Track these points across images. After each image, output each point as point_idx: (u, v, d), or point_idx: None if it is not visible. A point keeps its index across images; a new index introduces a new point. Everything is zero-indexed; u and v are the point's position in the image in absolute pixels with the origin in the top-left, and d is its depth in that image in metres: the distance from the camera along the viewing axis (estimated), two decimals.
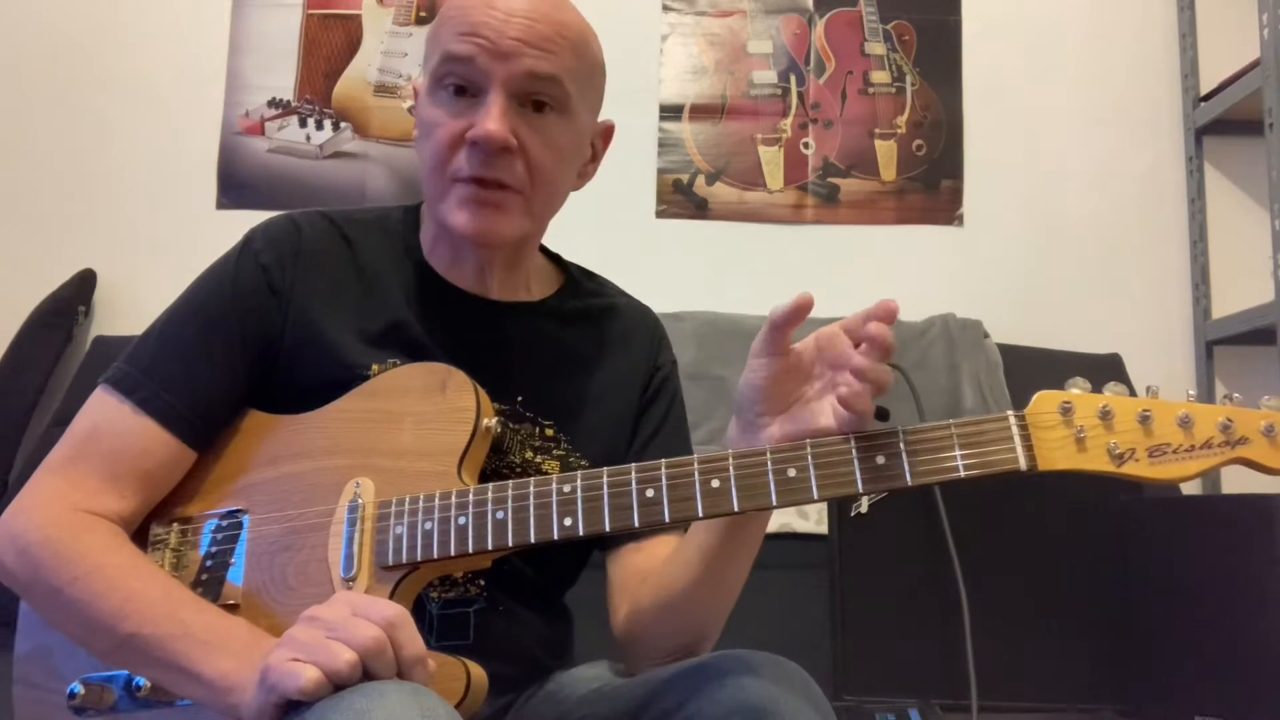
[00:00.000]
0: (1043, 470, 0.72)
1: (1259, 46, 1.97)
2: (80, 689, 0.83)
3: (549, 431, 0.97)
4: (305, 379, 0.91)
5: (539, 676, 0.99)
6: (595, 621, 1.01)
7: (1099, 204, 2.27)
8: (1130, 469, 0.71)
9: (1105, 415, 0.72)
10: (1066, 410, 0.72)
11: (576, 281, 1.07)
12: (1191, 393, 0.74)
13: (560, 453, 0.97)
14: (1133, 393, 0.73)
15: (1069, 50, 2.32)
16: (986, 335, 2.10)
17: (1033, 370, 2.06)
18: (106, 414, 0.88)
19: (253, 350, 0.91)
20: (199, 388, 0.89)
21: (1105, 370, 2.05)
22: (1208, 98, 2.21)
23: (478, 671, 0.77)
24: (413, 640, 0.69)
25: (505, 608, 0.94)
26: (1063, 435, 0.72)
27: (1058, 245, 2.25)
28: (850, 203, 2.28)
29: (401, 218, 1.01)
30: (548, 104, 0.90)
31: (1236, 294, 2.15)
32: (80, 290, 2.17)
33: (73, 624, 0.81)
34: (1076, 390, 0.74)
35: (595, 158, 1.01)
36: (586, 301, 1.06)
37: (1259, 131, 1.97)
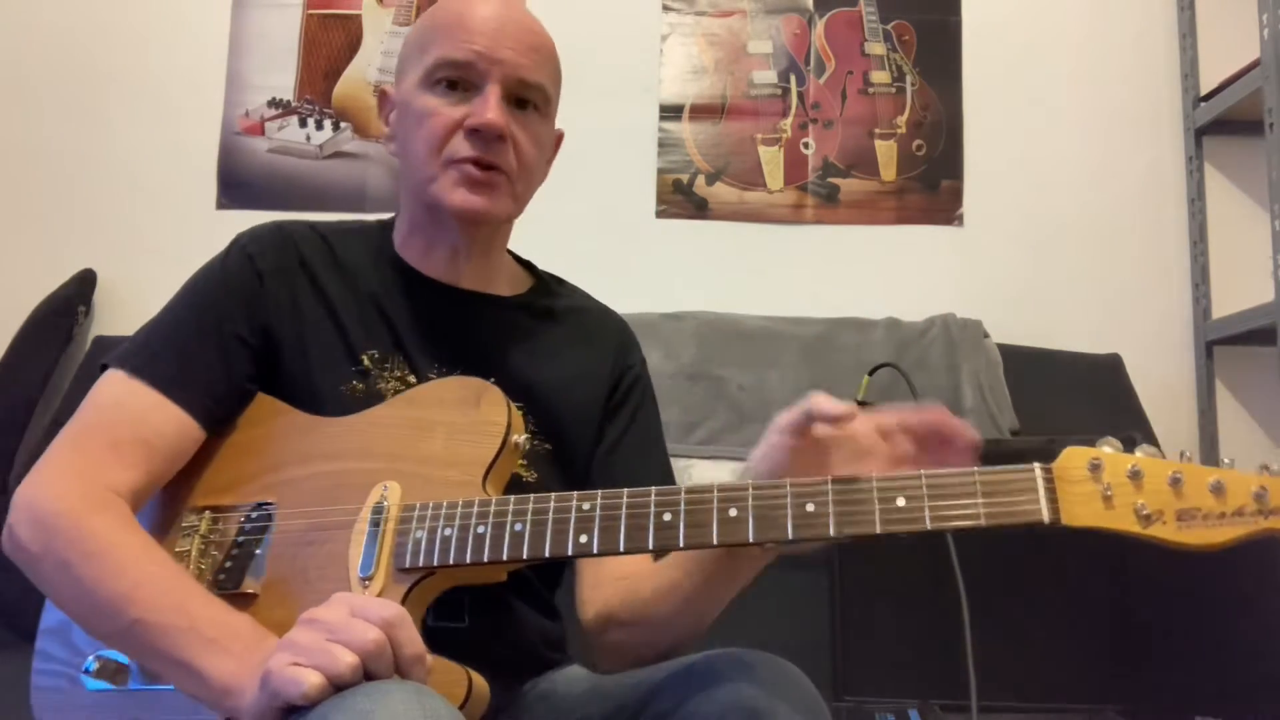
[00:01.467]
0: (1065, 525, 0.70)
1: (1259, 46, 1.97)
2: (95, 664, 0.86)
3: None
4: (294, 367, 0.96)
5: (533, 668, 1.00)
6: None
7: (1099, 204, 2.26)
8: (1157, 531, 0.69)
9: (1135, 475, 0.70)
10: (1095, 467, 0.71)
11: (546, 284, 1.14)
12: (1228, 460, 0.71)
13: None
14: (1162, 455, 0.71)
15: (1069, 50, 2.32)
16: (986, 335, 2.09)
17: (1033, 370, 2.06)
18: (105, 387, 0.93)
19: (241, 330, 0.96)
20: (192, 357, 0.93)
21: (1105, 370, 2.05)
22: (1208, 98, 2.21)
23: (480, 681, 0.78)
24: (412, 640, 0.70)
25: (498, 596, 0.95)
26: (1089, 491, 0.70)
27: (1058, 245, 2.25)
28: (850, 203, 2.28)
29: (377, 226, 1.10)
30: (531, 104, 1.00)
31: (1236, 294, 2.14)
32: (80, 290, 2.17)
33: (78, 601, 0.82)
34: (1108, 449, 0.72)
35: (549, 160, 1.09)
36: (555, 302, 1.12)
37: (1259, 131, 1.97)
